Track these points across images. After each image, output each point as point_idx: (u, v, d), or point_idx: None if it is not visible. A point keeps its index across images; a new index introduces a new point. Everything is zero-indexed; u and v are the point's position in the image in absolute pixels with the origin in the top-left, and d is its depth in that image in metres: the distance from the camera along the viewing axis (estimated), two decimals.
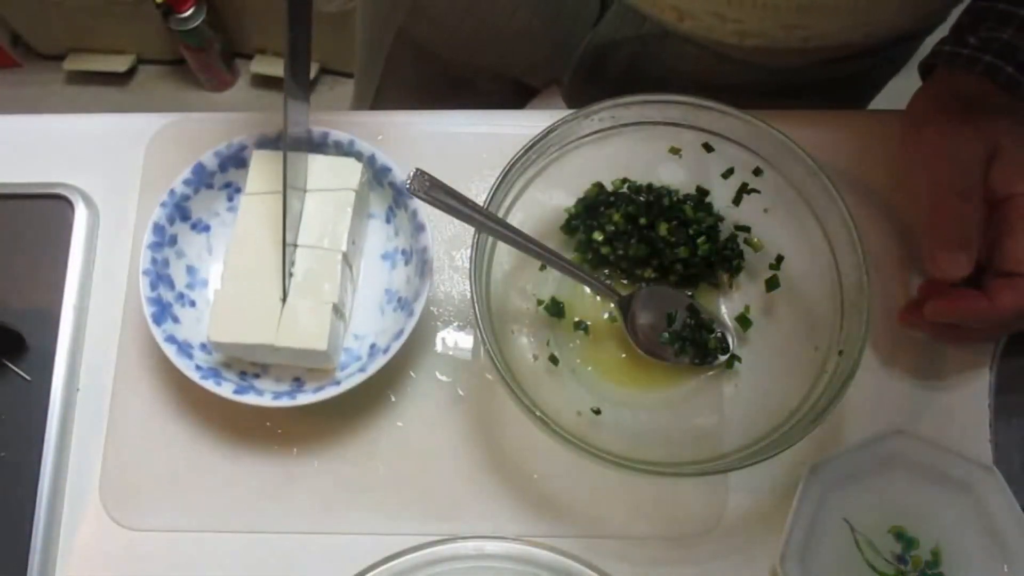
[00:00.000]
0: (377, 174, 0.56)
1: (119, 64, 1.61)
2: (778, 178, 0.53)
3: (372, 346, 0.54)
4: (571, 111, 0.52)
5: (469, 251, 0.49)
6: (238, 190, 0.57)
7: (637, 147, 0.55)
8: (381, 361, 0.51)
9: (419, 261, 0.53)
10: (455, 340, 0.56)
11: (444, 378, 0.55)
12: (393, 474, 0.53)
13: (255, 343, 0.50)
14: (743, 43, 0.57)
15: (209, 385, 0.50)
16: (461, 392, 0.55)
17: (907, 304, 0.55)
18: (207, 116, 0.60)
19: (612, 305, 0.55)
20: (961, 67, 0.51)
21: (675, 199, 0.56)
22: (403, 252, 0.56)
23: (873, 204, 0.58)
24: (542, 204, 0.55)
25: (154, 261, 0.53)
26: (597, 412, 0.52)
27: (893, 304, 0.56)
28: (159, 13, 1.43)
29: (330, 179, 0.54)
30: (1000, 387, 0.54)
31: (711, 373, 0.54)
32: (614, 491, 0.53)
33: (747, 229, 0.56)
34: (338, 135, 0.55)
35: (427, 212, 0.51)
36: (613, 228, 0.55)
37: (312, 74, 1.57)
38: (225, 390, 0.50)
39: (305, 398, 0.50)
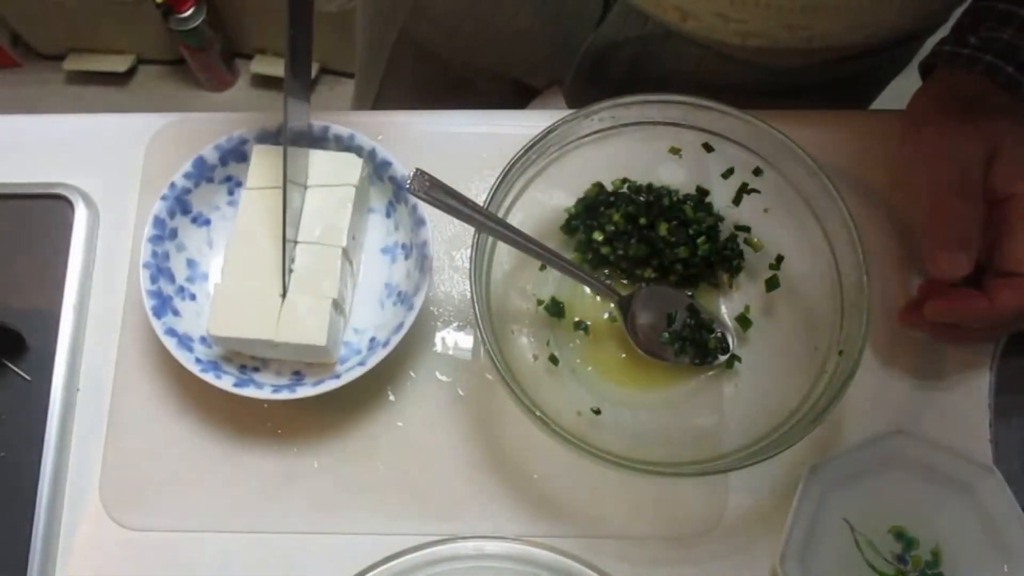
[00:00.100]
0: (377, 169, 0.56)
1: (119, 64, 1.61)
2: (778, 178, 0.53)
3: (372, 340, 0.54)
4: (571, 111, 0.52)
5: (469, 251, 0.49)
6: (239, 184, 0.57)
7: (637, 147, 0.55)
8: (381, 355, 0.51)
9: (419, 255, 0.53)
10: (455, 340, 0.56)
11: (444, 378, 0.55)
12: (393, 474, 0.53)
13: (255, 338, 0.50)
14: (746, 43, 0.57)
15: (209, 378, 0.50)
16: (461, 392, 0.55)
17: (907, 304, 0.55)
18: (207, 116, 0.60)
19: (612, 305, 0.55)
20: (961, 67, 0.51)
21: (675, 199, 0.56)
22: (403, 246, 0.56)
23: (873, 204, 0.58)
24: (542, 204, 0.55)
25: (155, 254, 0.53)
26: (597, 412, 0.52)
27: (893, 304, 0.56)
28: (159, 13, 1.43)
29: (330, 175, 0.54)
30: (1000, 387, 0.54)
31: (711, 373, 0.54)
32: (614, 491, 0.53)
33: (747, 229, 0.56)
34: (339, 129, 0.55)
35: (427, 209, 0.51)
36: (613, 228, 0.55)
37: (312, 74, 1.57)
38: (225, 383, 0.50)
39: (305, 391, 0.50)
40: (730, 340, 0.55)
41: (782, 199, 0.53)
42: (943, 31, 0.56)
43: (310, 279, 0.52)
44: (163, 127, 0.60)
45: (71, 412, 0.54)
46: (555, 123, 0.51)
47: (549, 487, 0.53)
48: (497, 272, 0.53)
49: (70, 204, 0.58)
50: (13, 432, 0.53)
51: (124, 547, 0.52)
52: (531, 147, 0.51)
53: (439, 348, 0.56)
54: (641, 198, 0.56)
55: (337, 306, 0.52)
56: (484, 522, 0.52)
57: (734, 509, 0.52)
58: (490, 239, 0.52)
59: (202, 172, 0.55)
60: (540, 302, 0.55)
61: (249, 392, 0.50)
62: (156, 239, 0.53)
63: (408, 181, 0.48)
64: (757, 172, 0.54)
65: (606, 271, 0.57)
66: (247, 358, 0.54)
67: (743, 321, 0.55)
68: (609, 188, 0.56)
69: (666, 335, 0.54)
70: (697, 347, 0.54)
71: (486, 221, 0.49)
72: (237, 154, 0.56)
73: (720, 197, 0.56)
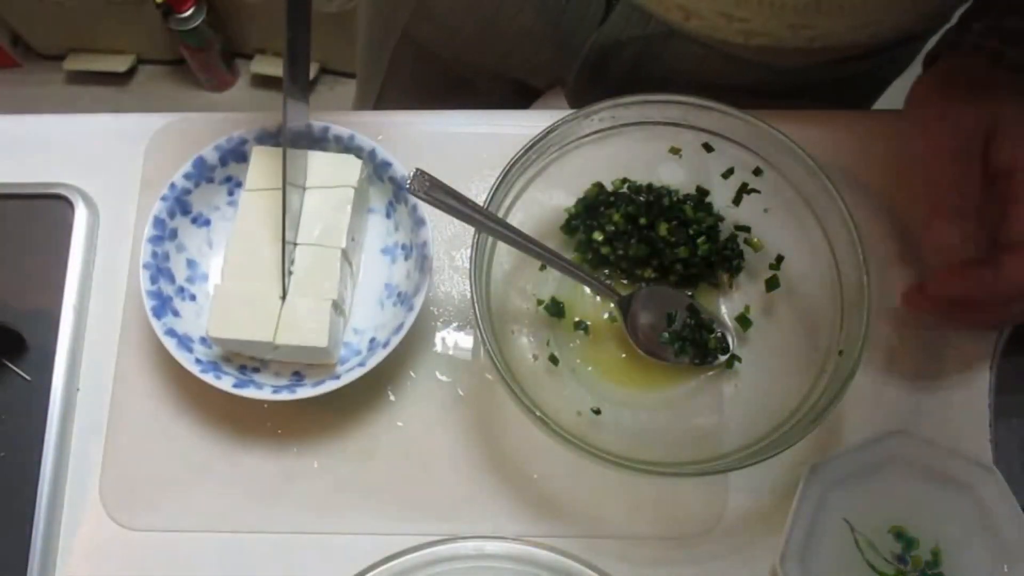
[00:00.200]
0: (377, 169, 0.56)
1: (119, 64, 1.61)
2: (778, 178, 0.53)
3: (372, 340, 0.54)
4: (571, 111, 0.52)
5: (469, 251, 0.49)
6: (239, 184, 0.57)
7: (637, 147, 0.55)
8: (381, 355, 0.51)
9: (419, 256, 0.53)
10: (455, 340, 0.56)
11: (444, 378, 0.55)
12: (393, 474, 0.53)
13: (255, 340, 0.50)
14: (748, 43, 0.57)
15: (209, 379, 0.50)
16: (461, 392, 0.55)
17: (911, 286, 0.54)
18: (207, 116, 0.60)
19: (612, 305, 0.55)
20: (965, 51, 0.50)
21: (675, 199, 0.56)
22: (403, 247, 0.56)
23: (873, 204, 0.58)
24: (542, 204, 0.55)
25: (154, 255, 0.53)
26: (597, 412, 0.52)
27: (893, 304, 0.56)
28: (159, 13, 1.43)
29: (330, 176, 0.54)
30: (1000, 387, 0.54)
31: (711, 373, 0.54)
32: (614, 491, 0.53)
33: (747, 229, 0.56)
34: (338, 130, 0.55)
35: (427, 209, 0.51)
36: (613, 228, 0.55)
37: (312, 74, 1.57)
38: (225, 384, 0.50)
39: (305, 392, 0.50)
40: (730, 340, 0.55)
41: (782, 199, 0.53)
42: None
43: (310, 280, 0.52)
44: (163, 127, 0.60)
45: (71, 412, 0.54)
46: (555, 123, 0.51)
47: (549, 487, 0.53)
48: (497, 272, 0.53)
49: (70, 204, 0.58)
50: (13, 432, 0.53)
51: (124, 547, 0.52)
52: (531, 147, 0.51)
53: (439, 348, 0.56)
54: (641, 198, 0.56)
55: (337, 307, 0.52)
56: (484, 522, 0.52)
57: (734, 509, 0.52)
58: (490, 239, 0.52)
59: (202, 172, 0.55)
60: (540, 302, 0.55)
61: (249, 393, 0.50)
62: (156, 239, 0.53)
63: (408, 181, 0.48)
64: (757, 172, 0.54)
65: (606, 271, 0.57)
66: (247, 358, 0.54)
67: (743, 321, 0.55)
68: (609, 188, 0.56)
69: (666, 335, 0.54)
70: (697, 347, 0.54)
71: (486, 221, 0.49)
72: (237, 154, 0.56)
73: (720, 197, 0.56)
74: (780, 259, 0.55)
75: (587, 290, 0.56)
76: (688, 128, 0.54)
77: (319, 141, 0.56)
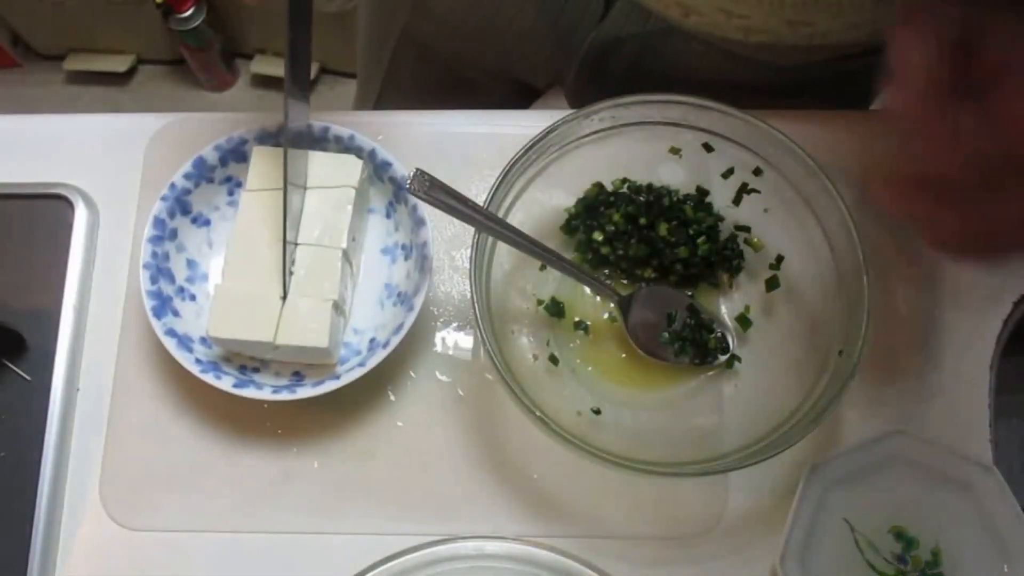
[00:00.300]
0: (377, 169, 0.56)
1: (119, 64, 1.60)
2: (778, 178, 0.53)
3: (372, 340, 0.54)
4: (571, 111, 0.52)
5: (469, 251, 0.49)
6: (239, 184, 0.57)
7: (637, 147, 0.55)
8: (381, 355, 0.51)
9: (419, 256, 0.53)
10: (455, 340, 0.56)
11: (444, 378, 0.55)
12: (393, 474, 0.53)
13: (255, 340, 0.50)
14: (748, 39, 0.57)
15: (209, 379, 0.50)
16: (461, 392, 0.55)
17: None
18: (207, 116, 0.60)
19: (612, 305, 0.55)
20: None
21: (675, 199, 0.56)
22: (403, 247, 0.56)
23: (873, 204, 0.58)
24: (542, 204, 0.55)
25: (154, 255, 0.53)
26: (597, 412, 0.52)
27: (893, 304, 0.56)
28: (159, 13, 1.42)
29: (330, 176, 0.54)
30: (1000, 387, 0.54)
31: (711, 373, 0.54)
32: (614, 491, 0.53)
33: (747, 229, 0.56)
34: (339, 130, 0.55)
35: (427, 209, 0.51)
36: (613, 228, 0.55)
37: (312, 74, 1.57)
38: (225, 384, 0.50)
39: (305, 392, 0.50)
40: (730, 340, 0.55)
41: (782, 199, 0.53)
42: None
43: (310, 281, 0.52)
44: (163, 127, 0.60)
45: (71, 412, 0.54)
46: (555, 123, 0.51)
47: (549, 487, 0.53)
48: (497, 272, 0.53)
49: (70, 204, 0.58)
50: (13, 432, 0.53)
51: (124, 547, 0.52)
52: (531, 147, 0.51)
53: (439, 348, 0.56)
54: (641, 198, 0.56)
55: (337, 307, 0.52)
56: (484, 522, 0.52)
57: (734, 509, 0.52)
58: (490, 239, 0.52)
59: (202, 172, 0.55)
60: (540, 302, 0.55)
61: (249, 393, 0.50)
62: (156, 239, 0.53)
63: (408, 181, 0.48)
64: (757, 172, 0.54)
65: (606, 271, 0.57)
66: (247, 358, 0.54)
67: (743, 321, 0.55)
68: (609, 188, 0.56)
69: (666, 335, 0.54)
70: (697, 347, 0.54)
71: (486, 221, 0.49)
72: (237, 154, 0.56)
73: (720, 197, 0.56)
74: (780, 259, 0.55)
75: (587, 290, 0.56)
76: (688, 128, 0.54)
77: (319, 141, 0.56)
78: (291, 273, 0.52)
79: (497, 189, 0.50)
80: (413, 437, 0.54)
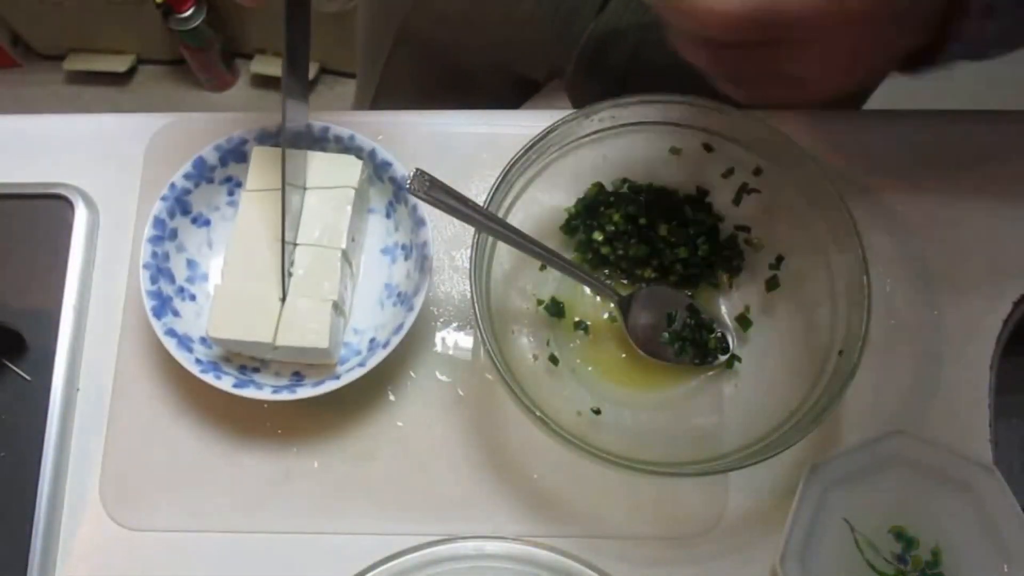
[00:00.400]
0: (377, 169, 0.56)
1: (119, 64, 1.60)
2: (778, 178, 0.53)
3: (372, 340, 0.54)
4: (571, 111, 0.52)
5: (469, 251, 0.49)
6: (239, 184, 0.57)
7: (637, 147, 0.55)
8: (381, 355, 0.51)
9: (419, 256, 0.53)
10: (455, 340, 0.56)
11: (444, 378, 0.55)
12: (393, 474, 0.53)
13: (254, 340, 0.50)
14: None
15: (209, 379, 0.50)
16: (461, 392, 0.55)
17: None
18: (207, 116, 0.60)
19: (612, 305, 0.55)
20: None
21: (675, 199, 0.56)
22: (403, 247, 0.56)
23: (873, 204, 0.58)
24: (542, 204, 0.55)
25: (154, 255, 0.53)
26: (597, 412, 0.52)
27: (893, 304, 0.56)
28: (159, 13, 1.43)
29: (330, 176, 0.54)
30: (1000, 387, 0.54)
31: (711, 373, 0.54)
32: (614, 491, 0.53)
33: (747, 229, 0.56)
34: (338, 130, 0.55)
35: (427, 209, 0.51)
36: (613, 228, 0.55)
37: (312, 74, 1.57)
38: (225, 384, 0.50)
39: (305, 392, 0.50)
40: (730, 340, 0.55)
41: (782, 199, 0.53)
42: None
43: (310, 281, 0.52)
44: (163, 127, 0.60)
45: (71, 412, 0.54)
46: (555, 123, 0.51)
47: (549, 487, 0.53)
48: (497, 272, 0.53)
49: (70, 204, 0.58)
50: (13, 432, 0.53)
51: (124, 547, 0.52)
52: (531, 147, 0.51)
53: (439, 348, 0.56)
54: (641, 198, 0.56)
55: (337, 308, 0.52)
56: (484, 522, 0.52)
57: (734, 509, 0.52)
58: (490, 239, 0.52)
59: (202, 172, 0.55)
60: (540, 302, 0.55)
61: (249, 393, 0.50)
62: (156, 239, 0.53)
63: (408, 181, 0.48)
64: (757, 172, 0.54)
65: (606, 271, 0.57)
66: (247, 358, 0.54)
67: (743, 321, 0.55)
68: (609, 188, 0.56)
69: (666, 335, 0.54)
70: (697, 347, 0.54)
71: (486, 221, 0.49)
72: (237, 154, 0.56)
73: (720, 197, 0.56)
74: (780, 259, 0.55)
75: (587, 290, 0.56)
76: (688, 128, 0.54)
77: (319, 141, 0.56)
78: (290, 274, 0.52)
79: (497, 189, 0.50)
80: (413, 437, 0.54)
